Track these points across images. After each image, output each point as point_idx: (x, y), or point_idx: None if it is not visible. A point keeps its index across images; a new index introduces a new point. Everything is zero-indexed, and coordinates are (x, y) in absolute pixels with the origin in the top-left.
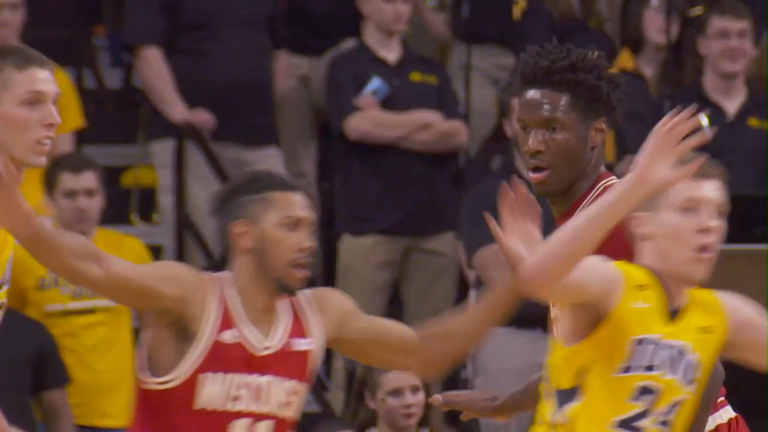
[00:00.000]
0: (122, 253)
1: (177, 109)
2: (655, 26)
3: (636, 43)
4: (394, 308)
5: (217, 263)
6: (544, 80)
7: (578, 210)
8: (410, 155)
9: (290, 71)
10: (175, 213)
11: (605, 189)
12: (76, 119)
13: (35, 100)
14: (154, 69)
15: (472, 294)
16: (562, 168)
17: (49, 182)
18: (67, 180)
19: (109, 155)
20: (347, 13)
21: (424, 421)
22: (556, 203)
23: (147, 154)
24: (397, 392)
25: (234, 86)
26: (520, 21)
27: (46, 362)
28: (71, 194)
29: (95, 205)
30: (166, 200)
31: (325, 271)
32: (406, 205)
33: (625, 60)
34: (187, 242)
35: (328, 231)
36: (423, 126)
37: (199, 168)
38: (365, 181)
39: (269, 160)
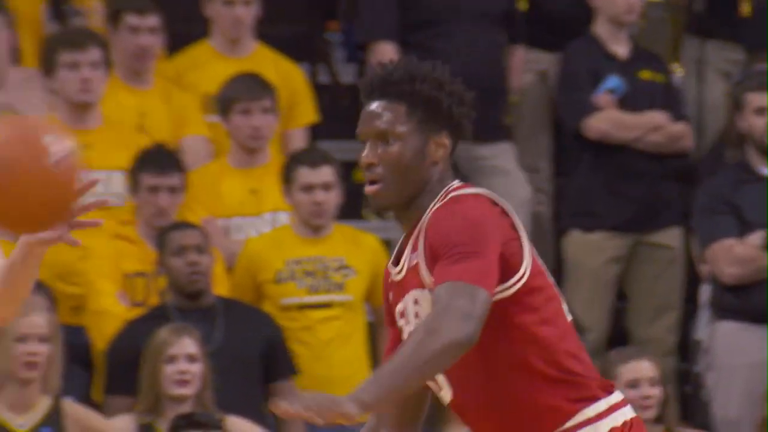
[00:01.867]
0: (359, 249)
1: None
2: None
3: None
4: (621, 304)
5: None
6: (380, 91)
7: (422, 221)
8: (637, 152)
9: (528, 66)
10: None
11: (446, 194)
12: (310, 114)
13: None
14: None
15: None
16: (395, 181)
17: (287, 177)
18: (305, 174)
19: (342, 150)
20: (586, 7)
21: (659, 418)
22: (401, 219)
23: None
24: (634, 383)
25: (467, 82)
26: (751, 16)
27: (276, 354)
28: (309, 188)
29: (332, 199)
30: None
31: (555, 265)
32: (634, 202)
33: None
34: None
35: (557, 225)
36: (654, 128)
37: None
38: (595, 178)
39: (503, 155)
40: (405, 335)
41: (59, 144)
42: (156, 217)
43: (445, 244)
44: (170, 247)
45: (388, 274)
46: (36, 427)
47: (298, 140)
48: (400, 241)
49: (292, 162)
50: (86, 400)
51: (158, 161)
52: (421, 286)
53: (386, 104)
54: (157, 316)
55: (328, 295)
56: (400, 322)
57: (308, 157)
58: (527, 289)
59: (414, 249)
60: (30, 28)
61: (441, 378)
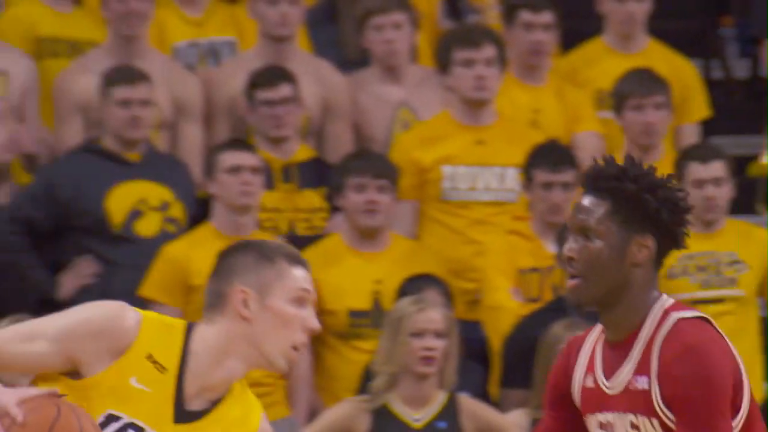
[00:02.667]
0: (751, 244)
1: None
2: None
3: None
4: None
5: None
6: (591, 186)
7: (639, 338)
8: None
9: None
10: None
11: (666, 315)
12: (702, 110)
13: (303, 299)
14: None
15: None
16: (592, 278)
17: (678, 172)
18: (696, 170)
19: (735, 145)
20: None
21: None
22: (604, 321)
23: None
24: None
25: None
26: None
27: None
28: (699, 184)
29: (723, 194)
30: None
31: None
32: None
33: None
34: None
35: None
36: None
37: None
38: None
39: None
40: None
41: None
42: (549, 214)
43: (686, 409)
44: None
45: (575, 371)
46: (431, 422)
47: (691, 135)
48: (602, 346)
49: (683, 157)
50: (482, 394)
51: (552, 157)
52: (647, 413)
53: (593, 200)
54: (554, 311)
55: (720, 291)
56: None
57: (699, 153)
58: (747, 426)
59: (639, 372)
60: (426, 25)
61: None
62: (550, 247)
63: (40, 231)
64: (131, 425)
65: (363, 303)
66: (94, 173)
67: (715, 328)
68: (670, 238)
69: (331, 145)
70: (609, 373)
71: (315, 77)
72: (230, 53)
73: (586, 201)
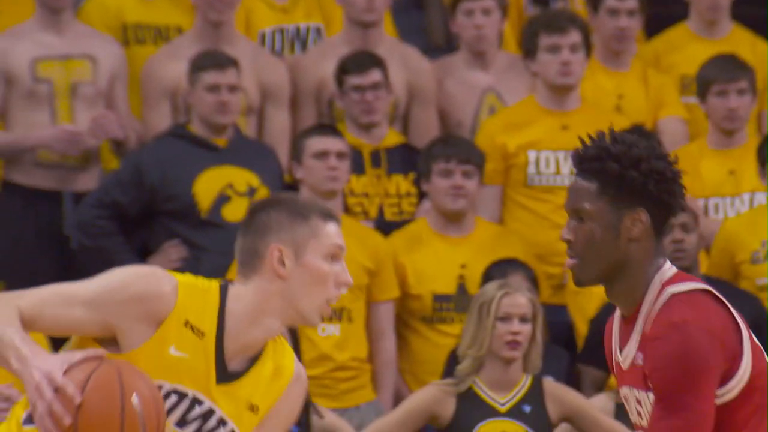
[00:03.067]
0: None
1: None
2: None
3: None
4: None
5: None
6: (578, 168)
7: (641, 314)
8: None
9: None
10: None
11: (663, 289)
12: None
13: (337, 255)
14: None
15: None
16: (589, 258)
17: (763, 158)
18: None
19: None
20: None
21: None
22: (611, 298)
23: None
24: None
25: None
26: None
27: (759, 333)
28: None
29: None
30: None
31: None
32: None
33: None
34: None
35: None
36: None
37: None
38: None
39: None
40: (631, 415)
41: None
42: None
43: (660, 386)
44: None
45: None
46: (516, 405)
47: None
48: (618, 320)
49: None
50: (567, 379)
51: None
52: (645, 388)
53: (581, 182)
54: None
55: None
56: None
57: None
58: (747, 390)
59: (639, 347)
60: (512, 11)
61: None
62: None
63: (128, 216)
64: (174, 392)
65: (448, 287)
66: (182, 158)
67: (712, 300)
68: (662, 207)
69: (417, 131)
70: (622, 347)
71: (401, 63)
72: (316, 39)
73: (575, 184)
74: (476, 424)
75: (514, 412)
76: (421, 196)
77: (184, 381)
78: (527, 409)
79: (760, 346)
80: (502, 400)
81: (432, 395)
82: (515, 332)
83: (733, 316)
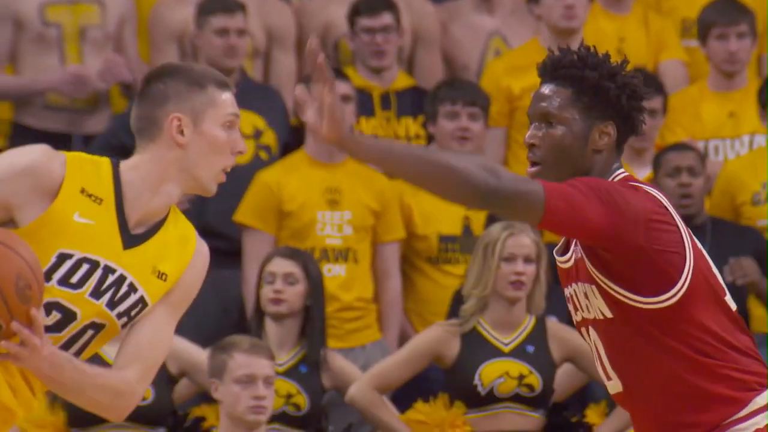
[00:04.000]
0: None
1: None
2: None
3: None
4: None
5: None
6: (551, 75)
7: None
8: None
9: None
10: None
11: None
12: None
13: (233, 123)
14: None
15: None
16: (554, 164)
17: (764, 100)
18: None
19: None
20: None
21: None
22: None
23: None
24: None
25: None
26: None
27: (761, 266)
28: None
29: None
30: None
31: None
32: None
33: None
34: None
35: None
36: None
37: None
38: None
39: None
40: (574, 320)
41: None
42: (637, 141)
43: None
44: (665, 167)
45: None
46: (519, 345)
47: None
48: None
49: None
50: (569, 320)
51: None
52: (590, 280)
53: (554, 88)
54: None
55: None
56: (569, 306)
57: None
58: (690, 293)
59: (579, 244)
60: None
61: (610, 369)
62: (637, 173)
63: None
64: (85, 260)
65: (453, 228)
66: None
67: (651, 192)
68: (629, 124)
69: (422, 74)
70: (565, 252)
71: (405, 6)
72: None
73: (547, 89)
74: (480, 364)
75: (518, 352)
76: (430, 138)
77: (93, 248)
78: (530, 349)
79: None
80: (505, 340)
81: (436, 335)
82: (519, 272)
83: (673, 215)
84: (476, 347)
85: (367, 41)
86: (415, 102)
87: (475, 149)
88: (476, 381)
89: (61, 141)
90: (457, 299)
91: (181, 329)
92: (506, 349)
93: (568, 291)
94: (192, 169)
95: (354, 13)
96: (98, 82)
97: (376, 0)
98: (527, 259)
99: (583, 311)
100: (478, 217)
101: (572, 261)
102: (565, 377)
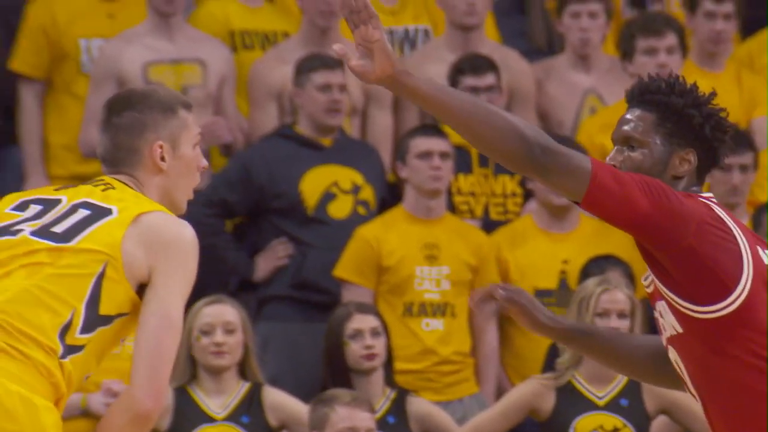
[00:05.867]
0: None
1: None
2: None
3: None
4: None
5: None
6: (638, 99)
7: None
8: None
9: None
10: None
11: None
12: None
13: (198, 142)
14: None
15: None
16: None
17: None
18: None
19: None
20: None
21: None
22: None
23: None
24: None
25: None
26: None
27: None
28: None
29: None
30: None
31: None
32: None
33: None
34: None
35: None
36: None
37: None
38: None
39: None
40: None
41: None
42: (728, 195)
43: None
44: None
45: None
46: (614, 399)
47: None
48: None
49: None
50: None
51: (731, 141)
52: (660, 296)
53: (639, 113)
54: None
55: None
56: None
57: None
58: (750, 301)
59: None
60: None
61: (692, 388)
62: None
63: (236, 214)
64: None
65: (549, 282)
66: (289, 157)
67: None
68: (710, 154)
69: None
70: (646, 278)
71: (502, 65)
72: (425, 40)
73: (632, 114)
74: (575, 417)
75: (612, 406)
76: (527, 196)
77: None
78: (625, 402)
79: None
80: (600, 394)
81: (532, 389)
82: (613, 328)
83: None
84: (571, 401)
85: None
86: None
87: (570, 203)
88: None
89: None
90: (552, 353)
91: (282, 381)
92: (601, 402)
93: (655, 314)
94: (171, 192)
95: (457, 72)
96: (199, 143)
97: (480, 60)
98: (621, 315)
99: (665, 331)
100: (575, 272)
101: (651, 282)
102: (660, 430)
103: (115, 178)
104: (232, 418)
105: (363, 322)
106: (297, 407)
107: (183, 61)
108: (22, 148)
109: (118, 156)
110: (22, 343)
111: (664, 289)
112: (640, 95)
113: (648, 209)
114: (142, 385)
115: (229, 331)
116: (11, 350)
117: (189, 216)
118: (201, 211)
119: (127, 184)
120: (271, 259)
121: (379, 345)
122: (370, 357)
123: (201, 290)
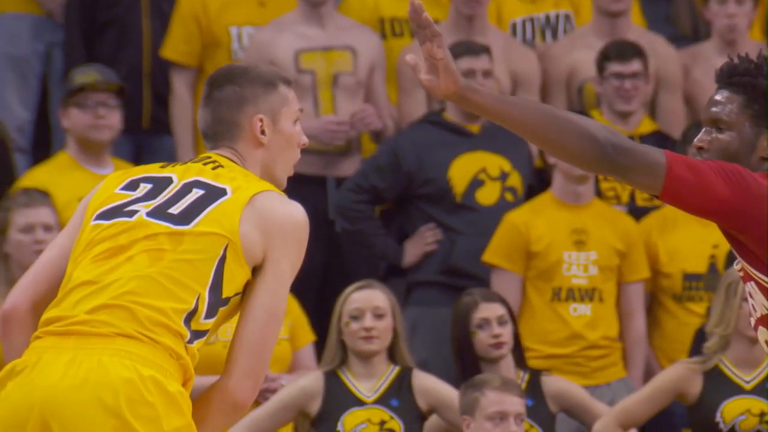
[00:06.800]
0: None
1: None
2: None
3: None
4: None
5: None
6: (726, 81)
7: None
8: None
9: None
10: None
11: None
12: None
13: (299, 118)
14: None
15: None
16: None
17: None
18: None
19: None
20: None
21: None
22: None
23: None
24: None
25: None
26: None
27: None
28: None
29: None
30: None
31: None
32: None
33: None
34: None
35: None
36: None
37: None
38: None
39: None
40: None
41: None
42: None
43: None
44: None
45: None
46: (761, 383)
47: None
48: None
49: None
50: None
51: None
52: (749, 277)
53: (727, 94)
54: None
55: None
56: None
57: None
58: None
59: None
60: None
61: None
62: None
63: (385, 200)
64: None
65: (699, 266)
66: (437, 144)
67: None
68: None
69: (664, 117)
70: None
71: (649, 51)
72: (566, 26)
73: (720, 95)
74: (722, 402)
75: (759, 390)
76: None
77: None
78: None
79: None
80: (747, 378)
81: (679, 373)
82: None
83: None
84: (718, 385)
85: (616, 86)
86: (659, 146)
87: None
88: (718, 418)
89: (316, 183)
90: (700, 337)
91: (430, 366)
92: (748, 386)
93: (745, 295)
94: (271, 166)
95: (604, 59)
96: (351, 130)
97: (626, 46)
98: None
99: (755, 311)
100: (724, 256)
101: (741, 265)
102: None
103: (220, 154)
104: (382, 401)
105: (489, 310)
106: (447, 391)
107: (334, 48)
108: (174, 135)
109: (219, 130)
110: (152, 331)
111: (752, 270)
112: (729, 77)
113: (727, 195)
114: (241, 377)
115: (379, 316)
116: (142, 337)
117: (339, 202)
118: (350, 197)
119: (232, 160)
120: (420, 245)
121: (506, 333)
122: (499, 345)
123: (350, 275)
